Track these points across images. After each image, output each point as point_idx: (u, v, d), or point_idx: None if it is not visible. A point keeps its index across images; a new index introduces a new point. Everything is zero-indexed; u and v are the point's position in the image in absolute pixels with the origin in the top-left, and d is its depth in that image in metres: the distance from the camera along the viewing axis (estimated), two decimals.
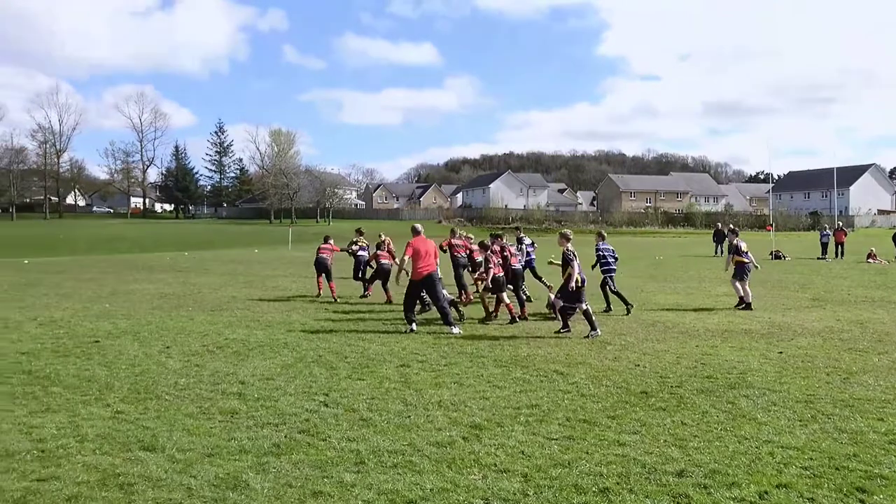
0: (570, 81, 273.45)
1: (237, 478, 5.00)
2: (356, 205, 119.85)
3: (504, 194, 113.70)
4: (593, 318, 11.31)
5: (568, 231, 12.37)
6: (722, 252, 34.89)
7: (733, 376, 8.23)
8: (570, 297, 11.37)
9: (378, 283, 16.28)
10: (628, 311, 13.70)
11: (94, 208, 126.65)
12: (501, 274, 12.81)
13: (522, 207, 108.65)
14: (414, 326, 11.86)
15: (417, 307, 12.80)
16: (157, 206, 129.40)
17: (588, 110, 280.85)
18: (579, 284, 11.31)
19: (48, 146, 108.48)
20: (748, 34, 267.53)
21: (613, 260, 14.47)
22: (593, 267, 14.38)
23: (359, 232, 18.59)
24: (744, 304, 14.31)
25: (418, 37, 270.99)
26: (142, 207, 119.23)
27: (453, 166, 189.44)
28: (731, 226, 17.89)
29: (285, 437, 5.96)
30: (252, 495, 4.71)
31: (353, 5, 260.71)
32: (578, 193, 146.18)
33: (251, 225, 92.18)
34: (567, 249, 11.60)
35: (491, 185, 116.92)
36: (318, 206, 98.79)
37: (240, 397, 7.32)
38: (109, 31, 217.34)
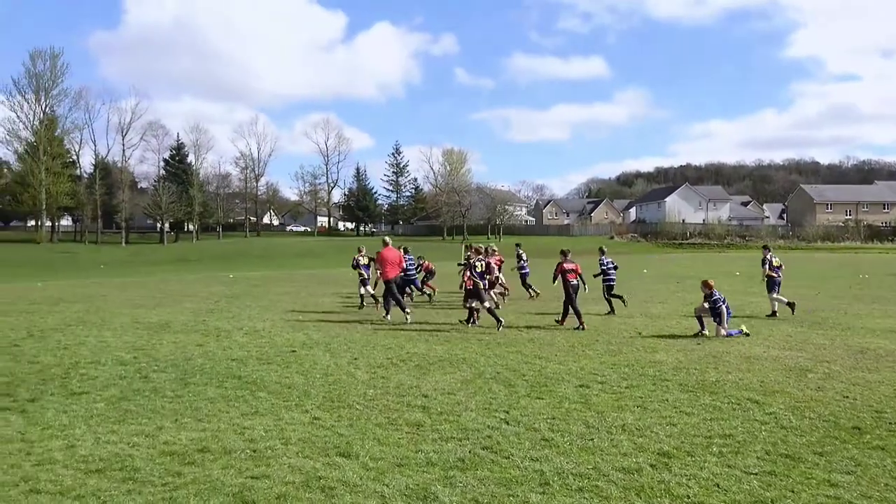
0: (753, 87, 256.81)
1: (426, 489, 5.17)
2: (526, 221, 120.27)
3: (681, 208, 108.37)
4: (475, 316, 14.48)
5: (480, 246, 16.25)
6: None
7: None
8: (469, 294, 14.43)
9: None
10: (608, 313, 16.26)
11: (289, 227, 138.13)
12: (471, 286, 14.38)
13: (701, 222, 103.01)
14: (409, 317, 15.17)
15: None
16: (340, 225, 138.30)
17: (774, 117, 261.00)
18: (469, 287, 14.30)
19: (248, 171, 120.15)
20: None
21: (613, 270, 17.03)
22: (595, 276, 16.86)
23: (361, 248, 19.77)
24: (774, 311, 15.96)
25: (587, 51, 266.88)
26: (327, 226, 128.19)
27: (625, 180, 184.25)
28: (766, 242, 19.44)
29: (469, 452, 6.07)
30: None
31: (521, 25, 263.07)
32: (765, 206, 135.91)
33: (425, 241, 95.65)
34: (470, 260, 14.68)
35: (667, 199, 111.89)
36: (489, 223, 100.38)
37: (424, 410, 7.57)
38: (299, 66, 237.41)
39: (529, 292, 20.59)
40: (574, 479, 5.37)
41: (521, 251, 21.08)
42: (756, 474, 5.46)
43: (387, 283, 15.56)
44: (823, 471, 5.54)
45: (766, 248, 17.11)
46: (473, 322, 14.61)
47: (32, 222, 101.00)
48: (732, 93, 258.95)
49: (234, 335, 13.40)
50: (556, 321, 14.86)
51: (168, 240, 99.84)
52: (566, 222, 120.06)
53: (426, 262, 21.60)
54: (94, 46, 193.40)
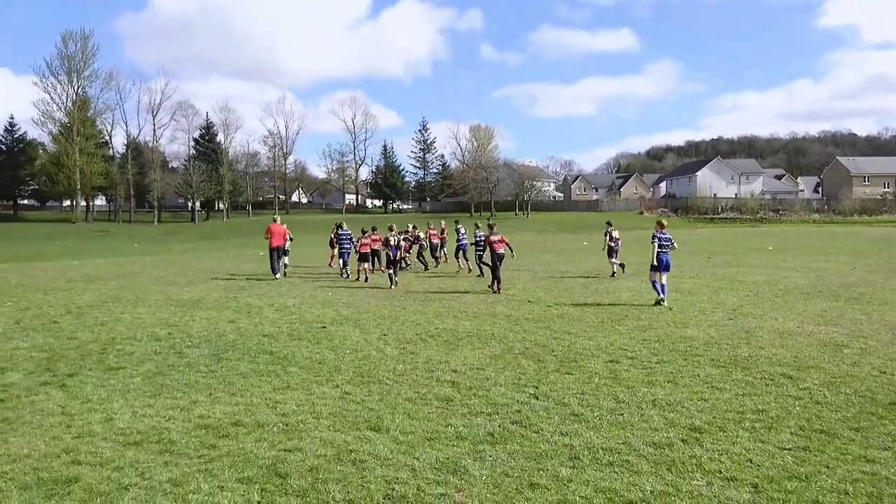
0: (787, 58, 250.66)
1: (456, 463, 5.21)
2: (554, 197, 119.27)
3: (713, 182, 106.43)
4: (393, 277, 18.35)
5: (394, 225, 19.87)
6: None
7: None
8: (361, 258, 20.11)
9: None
10: (469, 271, 21.86)
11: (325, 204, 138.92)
12: (367, 251, 20.15)
13: (734, 196, 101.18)
14: (278, 276, 20.32)
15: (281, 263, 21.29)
16: (368, 202, 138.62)
17: (809, 88, 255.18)
18: (363, 252, 20.04)
19: (276, 150, 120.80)
20: None
21: (463, 235, 22.85)
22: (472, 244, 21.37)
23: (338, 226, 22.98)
24: (613, 273, 20.26)
25: (615, 23, 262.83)
26: (355, 203, 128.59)
27: (655, 154, 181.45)
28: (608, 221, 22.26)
29: (499, 426, 6.10)
30: (471, 481, 4.88)
31: None
32: (799, 179, 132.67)
33: (452, 217, 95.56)
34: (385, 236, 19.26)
35: (698, 173, 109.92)
36: (517, 199, 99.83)
37: (453, 385, 7.61)
38: (326, 44, 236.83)
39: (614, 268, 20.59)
40: (604, 454, 5.36)
41: (611, 229, 20.94)
42: (790, 450, 5.40)
43: (271, 249, 20.70)
44: (859, 447, 5.46)
45: (608, 223, 21.49)
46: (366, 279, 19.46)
47: (68, 202, 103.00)
48: (765, 64, 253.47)
49: (264, 311, 13.57)
50: (489, 287, 17.08)
51: (199, 218, 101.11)
52: (595, 198, 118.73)
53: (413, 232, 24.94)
54: (122, 29, 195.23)
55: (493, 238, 17.45)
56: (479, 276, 20.34)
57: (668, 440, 5.65)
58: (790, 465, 5.08)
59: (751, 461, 5.17)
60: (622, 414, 6.42)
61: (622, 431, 5.91)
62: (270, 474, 5.07)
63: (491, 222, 18.79)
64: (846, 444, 5.52)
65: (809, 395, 6.98)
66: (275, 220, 21.23)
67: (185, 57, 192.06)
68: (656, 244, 14.13)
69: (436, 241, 25.66)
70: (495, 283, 16.76)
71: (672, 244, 14.28)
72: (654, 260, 14.02)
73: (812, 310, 12.86)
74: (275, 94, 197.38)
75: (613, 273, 20.24)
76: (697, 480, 4.83)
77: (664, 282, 14.08)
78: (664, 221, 14.90)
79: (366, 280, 19.70)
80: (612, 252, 20.48)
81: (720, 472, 4.97)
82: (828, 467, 5.03)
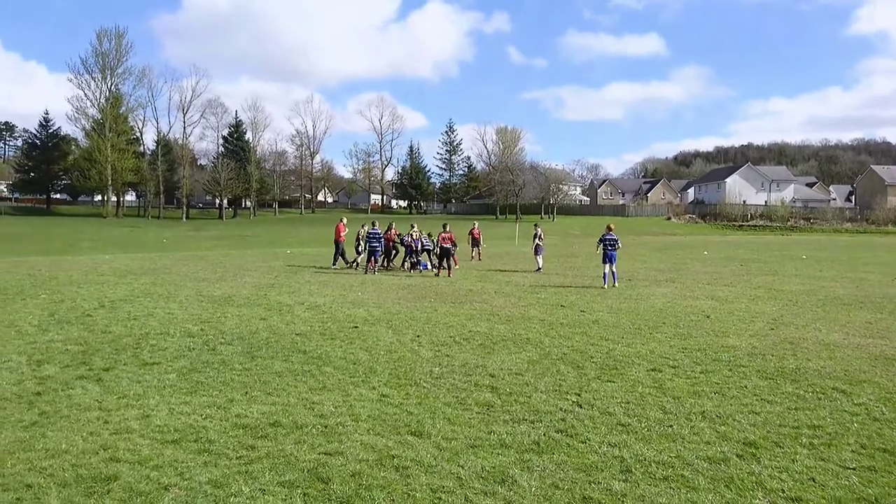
0: (817, 65, 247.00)
1: (504, 472, 5.03)
2: (580, 201, 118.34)
3: (742, 189, 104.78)
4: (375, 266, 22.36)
5: (414, 225, 24.07)
6: None
7: None
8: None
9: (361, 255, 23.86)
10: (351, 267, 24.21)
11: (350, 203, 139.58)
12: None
13: (763, 203, 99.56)
14: (334, 266, 24.05)
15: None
16: (393, 203, 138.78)
17: (841, 95, 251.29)
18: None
19: (303, 149, 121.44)
20: None
21: (428, 243, 24.09)
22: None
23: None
24: (538, 269, 23.28)
25: (642, 28, 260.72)
26: (380, 204, 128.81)
27: (683, 160, 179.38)
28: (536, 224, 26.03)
29: (544, 434, 5.90)
30: (521, 492, 4.69)
31: (574, 2, 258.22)
32: (831, 188, 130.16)
33: (478, 220, 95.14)
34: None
35: (727, 180, 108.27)
36: (543, 203, 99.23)
37: (492, 390, 7.42)
38: (354, 45, 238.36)
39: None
40: (657, 468, 5.14)
41: (538, 230, 24.53)
42: (854, 469, 5.14)
43: (336, 242, 24.70)
44: None
45: (536, 225, 25.26)
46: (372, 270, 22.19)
47: (99, 197, 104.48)
48: (794, 70, 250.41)
49: (295, 310, 13.49)
50: (434, 273, 21.42)
51: (226, 215, 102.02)
52: (621, 202, 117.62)
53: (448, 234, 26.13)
54: (156, 29, 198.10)
55: (443, 235, 21.54)
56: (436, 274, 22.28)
57: (723, 455, 5.41)
58: (857, 485, 4.82)
59: (814, 480, 4.92)
60: (671, 425, 6.19)
61: (673, 444, 5.68)
62: (312, 478, 4.93)
63: (444, 223, 22.65)
64: None
65: (866, 412, 6.69)
66: (340, 220, 25.80)
67: (216, 57, 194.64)
68: (602, 244, 18.21)
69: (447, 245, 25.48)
70: (438, 270, 21.55)
71: (617, 244, 18.27)
72: (602, 255, 18.11)
73: (856, 321, 12.47)
74: (303, 93, 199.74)
75: (539, 269, 23.23)
76: (760, 500, 4.59)
77: (614, 270, 18.07)
78: (612, 225, 19.06)
79: (364, 271, 22.35)
80: (539, 249, 23.85)
81: (783, 490, 4.73)
82: None
